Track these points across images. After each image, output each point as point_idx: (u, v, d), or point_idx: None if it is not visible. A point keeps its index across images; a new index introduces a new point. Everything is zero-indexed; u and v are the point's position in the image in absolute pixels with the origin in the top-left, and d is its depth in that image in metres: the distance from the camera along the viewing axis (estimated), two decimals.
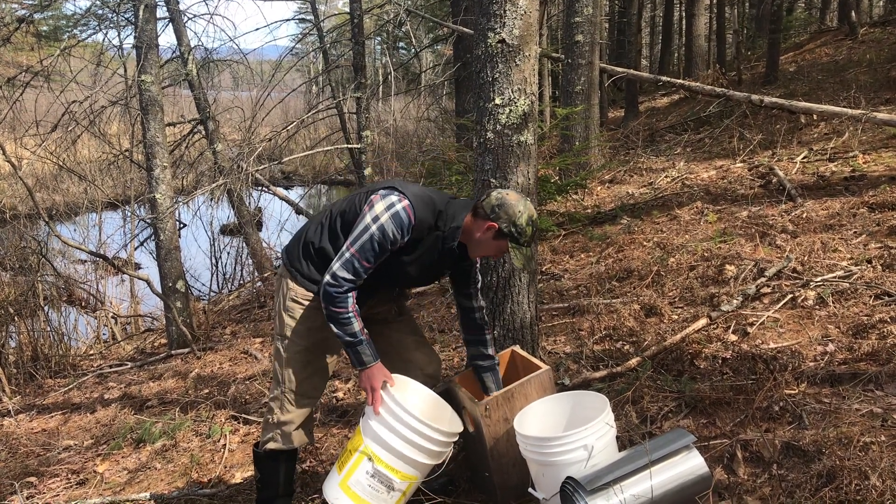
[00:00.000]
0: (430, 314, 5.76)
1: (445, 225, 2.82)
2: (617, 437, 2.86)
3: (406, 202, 2.74)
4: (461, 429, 3.00)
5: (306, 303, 2.94)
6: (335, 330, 2.79)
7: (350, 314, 2.77)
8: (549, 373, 3.12)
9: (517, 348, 3.41)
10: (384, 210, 2.72)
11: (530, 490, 2.88)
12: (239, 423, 4.71)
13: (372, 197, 2.78)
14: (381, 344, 3.20)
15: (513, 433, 2.97)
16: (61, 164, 9.33)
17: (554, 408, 3.06)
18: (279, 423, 3.03)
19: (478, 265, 3.12)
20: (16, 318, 7.77)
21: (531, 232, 2.79)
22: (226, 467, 4.15)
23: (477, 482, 3.34)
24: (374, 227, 2.71)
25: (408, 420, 2.78)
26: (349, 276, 2.73)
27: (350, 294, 2.76)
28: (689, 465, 2.58)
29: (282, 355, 3.00)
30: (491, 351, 3.21)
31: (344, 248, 2.75)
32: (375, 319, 3.17)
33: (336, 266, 2.74)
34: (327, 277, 2.74)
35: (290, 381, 2.99)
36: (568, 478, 2.58)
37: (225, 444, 4.41)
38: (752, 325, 3.99)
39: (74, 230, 12.87)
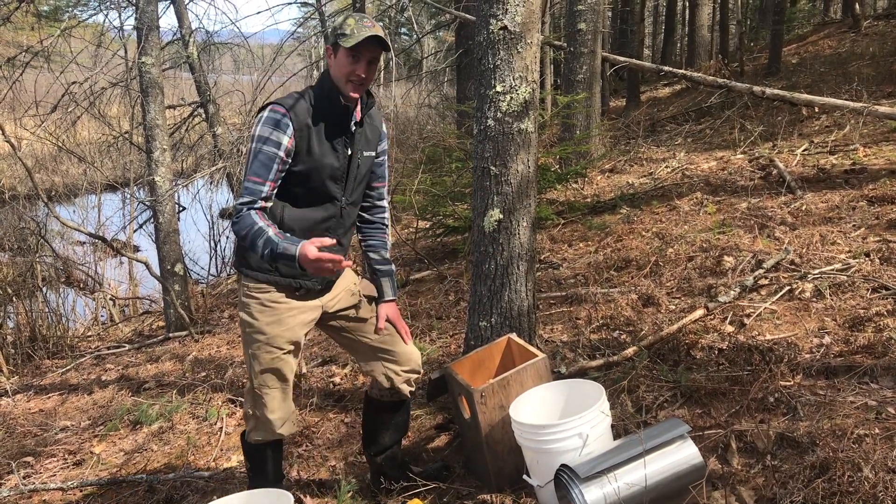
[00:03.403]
0: (427, 301, 5.77)
1: (316, 92, 2.77)
2: (612, 426, 2.87)
3: (270, 105, 2.73)
4: None
5: (260, 296, 2.85)
6: (256, 253, 2.61)
7: (257, 224, 2.60)
8: (545, 361, 3.13)
9: (514, 336, 3.43)
10: (255, 126, 2.72)
11: (525, 477, 2.89)
12: (236, 406, 4.72)
13: None
14: (358, 343, 3.12)
15: (508, 420, 2.98)
16: (61, 145, 9.30)
17: (549, 396, 3.08)
18: (257, 417, 2.97)
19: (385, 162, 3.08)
20: (14, 299, 7.78)
21: (353, 21, 2.70)
22: (222, 450, 4.17)
23: (472, 468, 3.35)
24: (253, 144, 2.68)
25: None
26: (246, 199, 2.66)
27: (252, 211, 2.66)
28: (683, 454, 2.59)
29: (248, 352, 2.92)
30: (388, 255, 3.18)
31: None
32: (345, 317, 3.08)
33: (238, 199, 2.71)
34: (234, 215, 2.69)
35: (260, 376, 2.91)
36: (562, 465, 2.60)
37: (221, 427, 4.43)
38: (748, 316, 4.00)
39: (73, 212, 12.85)
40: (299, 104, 2.72)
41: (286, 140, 2.67)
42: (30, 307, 7.65)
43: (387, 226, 3.19)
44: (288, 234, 2.64)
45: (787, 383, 3.23)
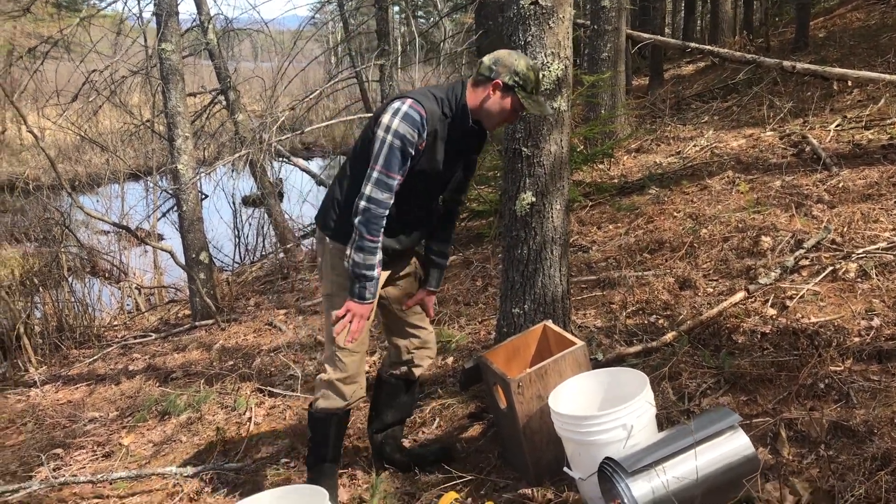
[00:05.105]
0: (454, 287, 5.67)
1: (451, 108, 2.81)
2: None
3: (410, 100, 2.73)
4: None
5: None
6: (356, 259, 2.75)
7: (378, 244, 2.76)
8: (583, 349, 3.02)
9: (550, 323, 3.32)
10: (392, 117, 2.71)
11: (566, 469, 2.79)
12: (264, 395, 4.66)
13: (379, 118, 2.76)
14: (390, 313, 3.24)
15: (546, 410, 2.89)
16: (82, 134, 9.25)
17: (589, 385, 2.97)
18: (332, 381, 3.00)
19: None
20: (41, 289, 7.76)
21: (535, 77, 2.80)
22: (252, 441, 4.10)
23: (509, 459, 3.26)
24: (390, 137, 2.69)
25: None
26: (383, 195, 2.72)
27: (384, 219, 2.75)
28: (734, 445, 2.48)
29: (331, 314, 2.96)
30: (448, 250, 3.27)
31: (370, 170, 2.73)
32: (392, 280, 3.16)
33: (368, 188, 2.72)
34: (361, 203, 2.71)
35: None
36: (607, 458, 2.49)
37: (251, 418, 4.36)
38: (791, 298, 3.86)
39: (97, 201, 12.84)
40: (434, 109, 2.78)
41: (419, 141, 2.74)
42: (56, 297, 7.64)
43: (457, 221, 3.33)
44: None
45: (837, 368, 3.11)
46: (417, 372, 3.32)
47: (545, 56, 3.35)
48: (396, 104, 2.74)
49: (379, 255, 2.78)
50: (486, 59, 2.82)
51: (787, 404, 2.96)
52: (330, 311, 2.98)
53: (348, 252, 2.78)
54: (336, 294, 2.96)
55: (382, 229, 2.76)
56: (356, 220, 2.74)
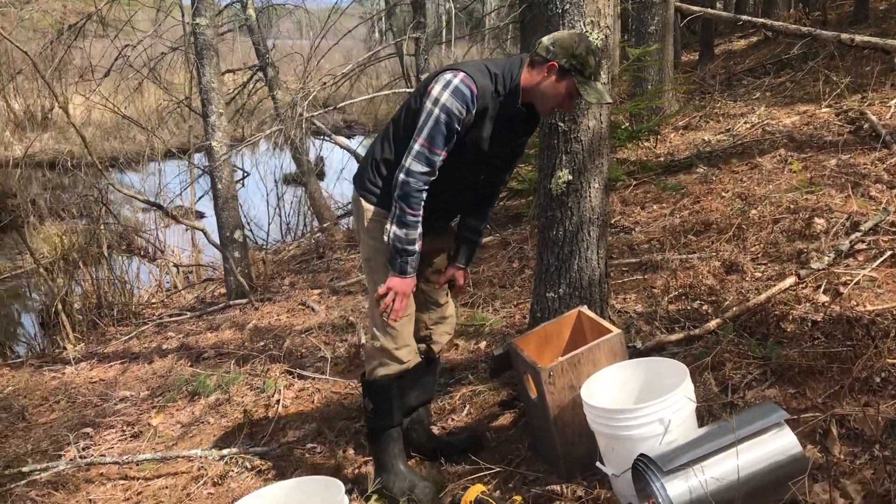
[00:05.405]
0: (490, 268, 5.51)
1: (505, 87, 2.69)
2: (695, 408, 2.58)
3: (462, 74, 2.63)
4: None
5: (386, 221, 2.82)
6: (398, 233, 2.67)
7: (419, 218, 2.68)
8: (620, 337, 2.85)
9: (585, 309, 3.15)
10: (442, 90, 2.61)
11: (598, 464, 2.63)
12: (293, 377, 4.57)
13: (428, 87, 2.65)
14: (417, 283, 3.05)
15: (579, 401, 2.72)
16: (118, 111, 9.22)
17: (625, 375, 2.80)
18: (384, 349, 2.92)
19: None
20: (81, 266, 7.80)
21: (594, 62, 2.68)
22: (279, 424, 4.02)
23: (539, 450, 3.11)
24: (436, 111, 2.60)
25: None
26: (424, 169, 2.64)
27: (425, 192, 2.67)
28: (779, 443, 2.28)
29: (373, 278, 2.89)
30: (482, 228, 3.20)
31: (412, 142, 2.65)
32: (432, 254, 3.07)
33: (408, 161, 2.64)
34: (401, 176, 2.64)
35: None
36: (641, 455, 2.32)
37: (279, 400, 4.28)
38: (845, 284, 3.61)
39: (141, 179, 12.89)
40: (487, 85, 2.68)
41: (467, 118, 2.66)
42: (95, 274, 7.69)
43: (496, 201, 3.24)
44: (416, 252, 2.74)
45: (895, 361, 2.88)
46: (436, 349, 3.24)
47: (584, 25, 3.16)
48: (448, 76, 2.64)
49: (419, 230, 2.70)
50: (545, 40, 2.71)
51: (839, 399, 2.75)
52: (370, 275, 2.94)
53: (388, 227, 2.70)
54: (373, 258, 2.89)
55: (423, 203, 2.68)
56: (395, 195, 2.67)
